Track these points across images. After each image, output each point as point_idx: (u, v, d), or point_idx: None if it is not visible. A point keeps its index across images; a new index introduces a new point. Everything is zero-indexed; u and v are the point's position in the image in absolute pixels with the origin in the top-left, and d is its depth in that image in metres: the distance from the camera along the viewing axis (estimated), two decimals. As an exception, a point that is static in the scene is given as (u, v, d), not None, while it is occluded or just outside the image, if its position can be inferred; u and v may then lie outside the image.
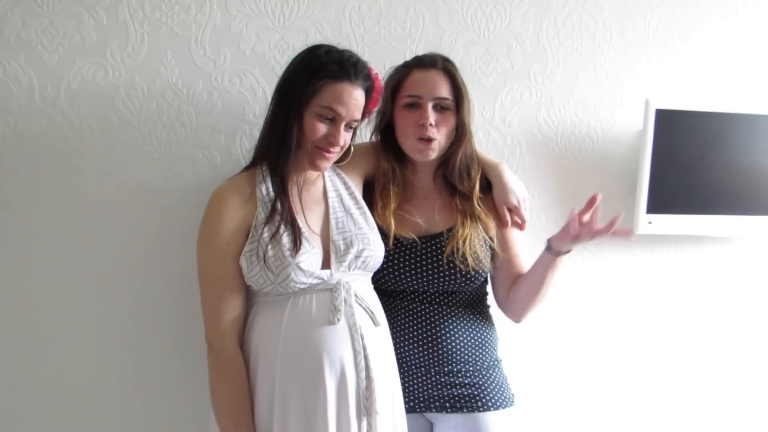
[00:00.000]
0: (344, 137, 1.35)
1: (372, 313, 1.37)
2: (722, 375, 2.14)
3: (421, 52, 1.69)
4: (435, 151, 1.47)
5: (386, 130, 1.52)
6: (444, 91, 1.45)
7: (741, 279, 2.12)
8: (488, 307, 1.60)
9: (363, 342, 1.32)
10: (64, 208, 1.58)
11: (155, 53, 1.60)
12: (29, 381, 1.61)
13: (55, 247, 1.59)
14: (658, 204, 1.87)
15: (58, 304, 1.60)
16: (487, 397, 1.47)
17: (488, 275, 1.56)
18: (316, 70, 1.32)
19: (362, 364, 1.31)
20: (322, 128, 1.33)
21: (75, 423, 1.64)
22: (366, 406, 1.30)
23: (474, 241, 1.48)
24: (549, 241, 1.47)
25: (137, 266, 1.63)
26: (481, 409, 1.46)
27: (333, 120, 1.33)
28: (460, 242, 1.47)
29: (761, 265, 2.14)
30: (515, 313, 1.59)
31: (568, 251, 1.45)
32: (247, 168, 1.43)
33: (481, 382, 1.49)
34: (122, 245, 1.62)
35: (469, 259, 1.46)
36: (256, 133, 1.55)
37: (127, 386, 1.66)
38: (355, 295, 1.35)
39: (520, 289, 1.53)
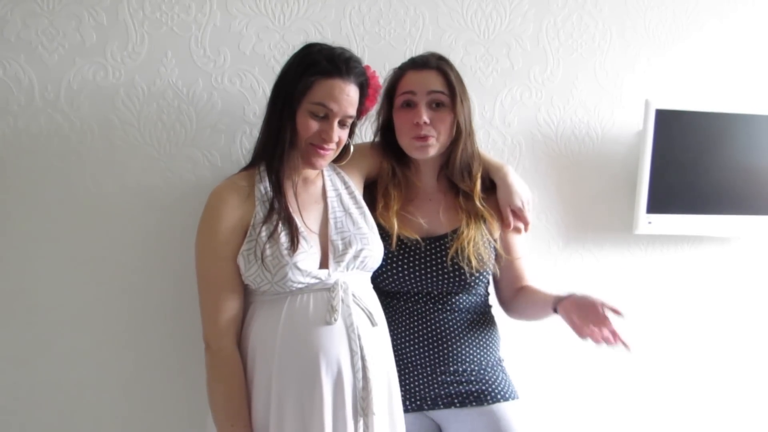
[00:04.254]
0: (338, 134, 1.35)
1: (370, 313, 1.36)
2: (722, 375, 2.14)
3: (421, 52, 1.68)
4: (433, 147, 1.47)
5: (387, 132, 1.52)
6: (437, 85, 1.45)
7: (741, 279, 2.12)
8: (490, 307, 1.60)
9: (360, 342, 1.31)
10: (64, 208, 1.58)
11: (155, 53, 1.60)
12: (29, 381, 1.61)
13: (54, 247, 1.59)
14: (658, 204, 1.87)
15: (58, 303, 1.60)
16: (496, 391, 1.47)
17: (490, 276, 1.56)
18: (308, 68, 1.32)
19: (359, 364, 1.30)
20: (314, 125, 1.33)
21: (74, 423, 1.64)
22: (363, 407, 1.30)
23: (478, 243, 1.48)
24: (558, 308, 1.43)
25: (137, 266, 1.63)
26: (490, 402, 1.46)
27: (326, 117, 1.33)
28: (465, 243, 1.46)
29: (761, 265, 2.14)
30: (517, 317, 1.63)
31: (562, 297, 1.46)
32: (246, 167, 1.43)
33: (486, 378, 1.49)
34: (122, 245, 1.62)
35: (473, 261, 1.46)
36: (256, 133, 1.55)
37: (125, 385, 1.65)
38: (353, 295, 1.35)
39: (525, 310, 1.58)
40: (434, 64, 1.47)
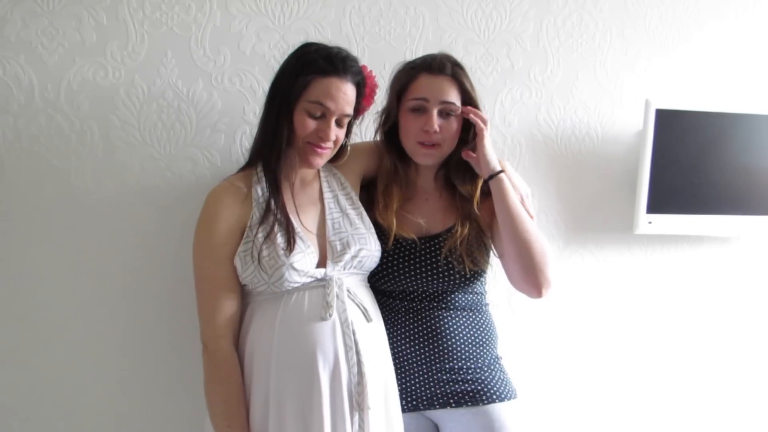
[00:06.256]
0: (335, 132, 1.35)
1: (365, 309, 1.37)
2: (722, 374, 2.14)
3: (421, 52, 1.69)
4: (438, 155, 1.47)
5: (390, 130, 1.52)
6: (451, 96, 1.44)
7: (741, 279, 2.12)
8: (487, 305, 1.60)
9: (354, 337, 1.32)
10: (64, 208, 1.58)
11: (155, 53, 1.60)
12: (29, 381, 1.61)
13: (54, 247, 1.59)
14: (658, 204, 1.87)
15: (58, 304, 1.60)
16: (491, 391, 1.47)
17: (487, 275, 1.56)
18: (305, 67, 1.32)
19: (354, 359, 1.31)
20: (311, 124, 1.33)
21: (74, 423, 1.64)
22: (358, 401, 1.30)
23: (471, 242, 1.48)
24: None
25: (137, 266, 1.63)
26: (486, 402, 1.46)
27: (323, 116, 1.33)
28: (458, 242, 1.46)
29: (761, 265, 2.14)
30: (525, 281, 1.43)
31: (495, 172, 1.44)
32: (244, 168, 1.43)
33: (482, 378, 1.48)
34: (122, 245, 1.62)
35: (465, 260, 1.46)
36: (256, 133, 1.55)
37: (125, 385, 1.66)
38: (348, 290, 1.35)
39: (506, 250, 1.45)
40: (449, 70, 1.45)
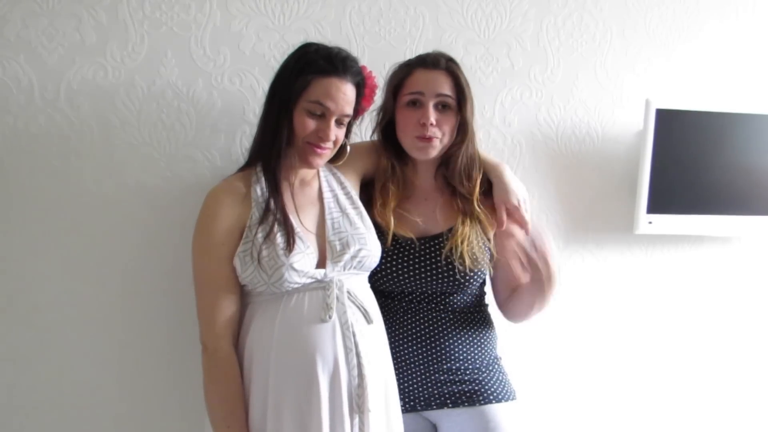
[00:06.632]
0: (335, 132, 1.35)
1: (365, 310, 1.36)
2: (722, 374, 2.14)
3: (421, 51, 1.68)
4: (435, 149, 1.47)
5: (387, 128, 1.52)
6: (446, 88, 1.45)
7: (741, 279, 2.12)
8: (487, 306, 1.60)
9: (355, 339, 1.31)
10: (64, 208, 1.58)
11: (155, 53, 1.60)
12: (29, 381, 1.61)
13: (54, 247, 1.59)
14: (658, 204, 1.87)
15: (58, 303, 1.60)
16: (489, 391, 1.47)
17: (486, 276, 1.56)
18: (305, 67, 1.33)
19: (354, 361, 1.31)
20: (311, 124, 1.33)
21: (74, 423, 1.64)
22: (358, 404, 1.30)
23: (472, 242, 1.48)
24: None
25: (137, 266, 1.63)
26: (482, 402, 1.46)
27: (323, 115, 1.33)
28: (459, 241, 1.46)
29: (761, 265, 2.14)
30: (516, 319, 1.62)
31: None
32: (243, 168, 1.43)
33: (481, 378, 1.49)
34: (122, 245, 1.62)
35: (467, 259, 1.46)
36: (256, 133, 1.55)
37: (124, 385, 1.66)
38: (348, 292, 1.35)
39: (517, 306, 1.57)
40: (444, 65, 1.46)
